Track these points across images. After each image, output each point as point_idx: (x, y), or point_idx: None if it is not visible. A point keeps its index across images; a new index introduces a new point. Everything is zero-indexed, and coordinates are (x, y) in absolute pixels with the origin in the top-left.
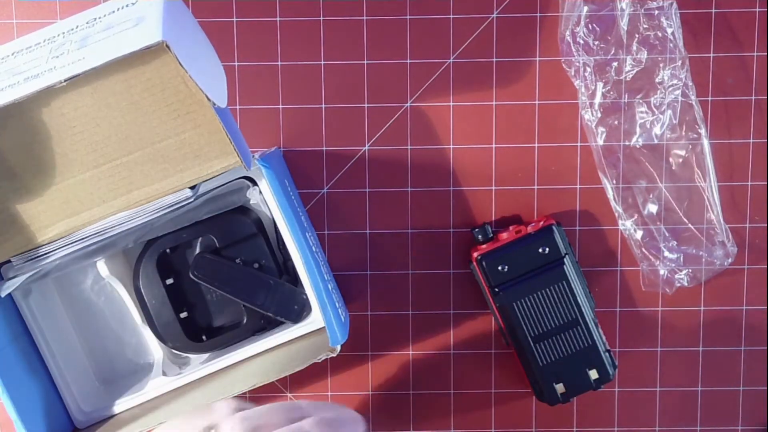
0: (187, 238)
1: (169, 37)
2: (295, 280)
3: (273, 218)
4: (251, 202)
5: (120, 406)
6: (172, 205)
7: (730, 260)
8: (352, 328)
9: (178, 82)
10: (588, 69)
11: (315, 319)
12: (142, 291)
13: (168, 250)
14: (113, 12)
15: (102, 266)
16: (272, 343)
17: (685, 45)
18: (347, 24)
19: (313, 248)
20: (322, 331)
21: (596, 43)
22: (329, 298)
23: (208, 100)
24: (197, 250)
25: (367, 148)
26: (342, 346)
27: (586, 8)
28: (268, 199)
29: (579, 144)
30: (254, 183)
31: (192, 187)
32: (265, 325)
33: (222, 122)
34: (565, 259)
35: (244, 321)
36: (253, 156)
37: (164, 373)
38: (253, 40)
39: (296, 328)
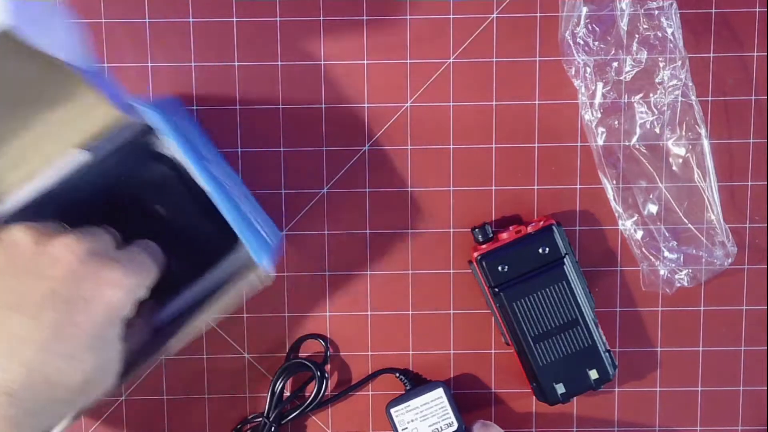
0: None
1: (15, 18)
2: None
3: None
4: (164, 153)
5: None
6: (72, 173)
7: (730, 260)
8: (352, 327)
9: (35, 57)
10: (588, 69)
11: (244, 254)
12: None
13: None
14: None
15: None
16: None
17: (685, 45)
18: (347, 24)
19: (221, 173)
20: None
21: (596, 43)
22: (245, 218)
23: (68, 65)
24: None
25: (366, 148)
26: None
27: (585, 8)
28: (156, 126)
29: (579, 144)
30: (156, 132)
31: (88, 149)
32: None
33: (83, 75)
34: (565, 259)
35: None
36: (131, 101)
37: None
38: (253, 40)
39: (230, 266)
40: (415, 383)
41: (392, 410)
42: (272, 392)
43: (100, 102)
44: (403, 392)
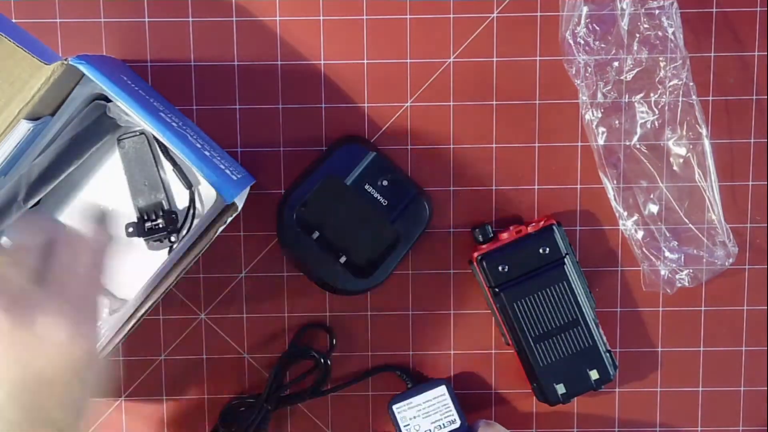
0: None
1: None
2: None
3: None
4: (121, 123)
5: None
6: (20, 145)
7: (731, 260)
8: (353, 327)
9: None
10: (589, 69)
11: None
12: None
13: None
14: None
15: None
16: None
17: (685, 44)
18: (347, 24)
19: (176, 123)
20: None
21: (597, 42)
22: (207, 160)
23: None
24: None
25: None
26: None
27: (586, 8)
28: (102, 85)
29: (579, 144)
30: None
31: (35, 119)
32: None
33: (12, 40)
34: (565, 259)
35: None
36: (66, 59)
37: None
38: (253, 40)
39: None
40: (416, 381)
41: (394, 407)
42: (274, 375)
43: (33, 64)
44: (405, 390)
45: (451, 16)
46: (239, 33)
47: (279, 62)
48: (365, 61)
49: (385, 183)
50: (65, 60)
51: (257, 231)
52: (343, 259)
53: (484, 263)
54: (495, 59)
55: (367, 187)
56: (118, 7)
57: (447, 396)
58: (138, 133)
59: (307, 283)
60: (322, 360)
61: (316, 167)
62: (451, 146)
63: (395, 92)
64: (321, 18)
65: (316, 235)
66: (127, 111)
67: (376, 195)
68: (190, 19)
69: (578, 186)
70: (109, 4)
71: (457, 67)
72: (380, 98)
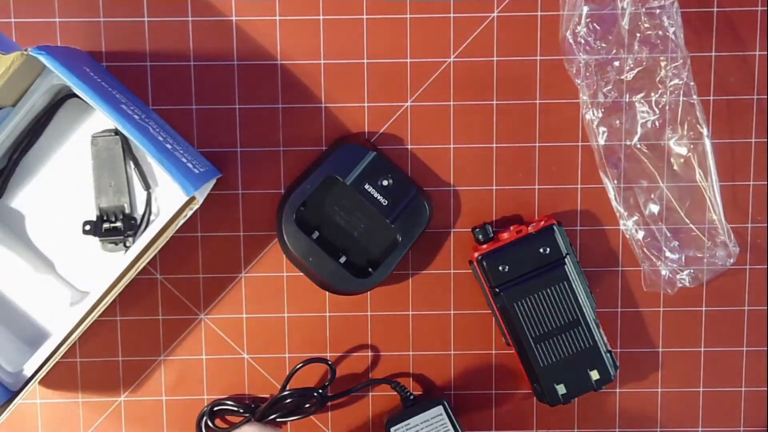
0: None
1: None
2: None
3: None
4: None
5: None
6: None
7: (731, 260)
8: (352, 327)
9: None
10: (589, 68)
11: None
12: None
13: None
14: None
15: None
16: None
17: (686, 44)
18: (347, 24)
19: (138, 116)
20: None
21: (597, 42)
22: (167, 153)
23: None
24: None
25: None
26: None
27: (586, 7)
28: (62, 76)
29: (580, 144)
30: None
31: None
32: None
33: None
34: (566, 259)
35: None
36: (26, 49)
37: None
38: (253, 40)
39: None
40: (410, 394)
41: (393, 429)
42: (274, 401)
43: None
44: (402, 403)
45: (451, 15)
46: (239, 33)
47: (279, 62)
48: (365, 61)
49: (385, 183)
50: (25, 50)
51: (257, 231)
52: (343, 259)
53: (484, 263)
54: (495, 59)
55: (367, 187)
56: (118, 7)
57: (445, 416)
58: (113, 134)
59: (307, 283)
60: (319, 393)
61: (316, 167)
62: (451, 146)
63: (395, 92)
64: (321, 18)
65: (316, 235)
66: (89, 102)
67: (376, 195)
68: (190, 18)
69: (579, 186)
70: (109, 4)
71: (457, 67)
72: (380, 98)
